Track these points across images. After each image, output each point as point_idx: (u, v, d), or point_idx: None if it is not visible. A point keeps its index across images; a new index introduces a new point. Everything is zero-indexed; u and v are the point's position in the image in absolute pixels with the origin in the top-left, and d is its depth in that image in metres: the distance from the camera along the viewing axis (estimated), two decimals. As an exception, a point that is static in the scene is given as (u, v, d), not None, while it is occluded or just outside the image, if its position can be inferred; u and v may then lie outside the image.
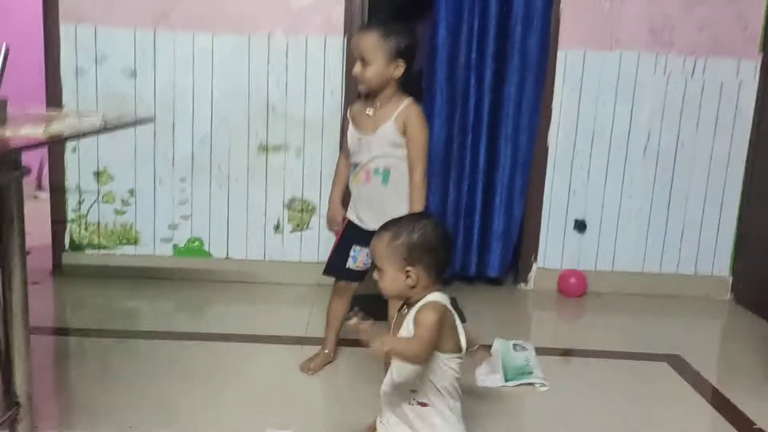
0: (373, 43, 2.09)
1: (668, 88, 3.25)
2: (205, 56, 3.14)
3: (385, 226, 1.59)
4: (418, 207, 2.13)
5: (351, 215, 2.28)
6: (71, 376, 2.34)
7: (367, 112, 2.18)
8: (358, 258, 2.25)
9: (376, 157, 2.17)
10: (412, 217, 1.65)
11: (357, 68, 2.12)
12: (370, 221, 2.18)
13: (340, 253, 2.28)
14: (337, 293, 2.35)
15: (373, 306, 2.54)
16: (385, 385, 1.61)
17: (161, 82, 3.15)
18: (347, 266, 2.26)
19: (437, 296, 1.55)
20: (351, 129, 2.23)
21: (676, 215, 3.36)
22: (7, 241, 1.64)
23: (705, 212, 3.35)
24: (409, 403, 1.56)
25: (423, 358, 1.49)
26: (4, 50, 1.94)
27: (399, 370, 1.55)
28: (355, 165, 2.23)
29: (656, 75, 3.24)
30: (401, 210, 2.08)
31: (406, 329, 1.54)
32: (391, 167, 2.17)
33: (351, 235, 2.25)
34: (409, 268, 1.52)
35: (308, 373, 2.33)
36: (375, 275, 1.58)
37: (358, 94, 2.27)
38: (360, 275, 2.29)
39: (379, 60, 2.09)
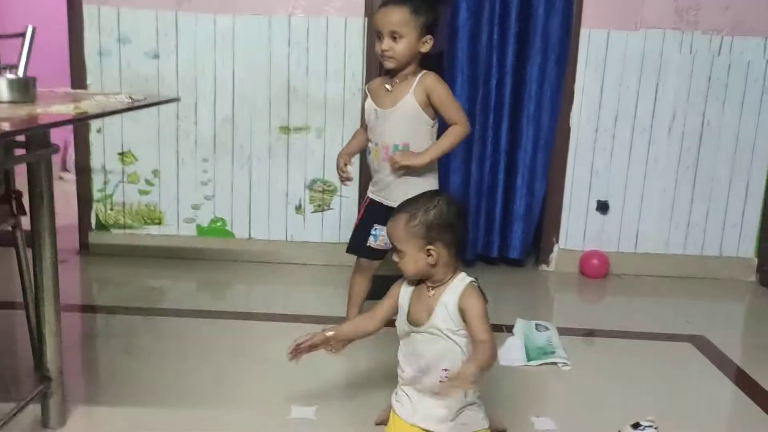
0: (404, 18, 2.06)
1: (694, 67, 3.20)
2: (227, 38, 3.15)
3: (400, 208, 1.58)
4: (440, 148, 2.13)
5: (372, 194, 2.27)
6: (99, 352, 2.38)
7: (386, 87, 2.16)
8: (378, 237, 2.25)
9: (395, 133, 2.15)
10: (425, 196, 1.62)
11: (387, 43, 2.07)
12: (391, 198, 2.16)
13: (361, 232, 2.28)
14: (359, 271, 2.36)
15: (382, 287, 2.55)
16: (414, 371, 1.56)
17: (183, 63, 3.17)
18: (368, 245, 2.27)
19: (466, 277, 1.55)
20: (368, 102, 2.20)
21: (701, 196, 3.32)
22: (37, 219, 1.67)
23: (730, 193, 3.31)
24: (440, 381, 1.53)
25: (496, 351, 1.47)
26: (30, 32, 1.96)
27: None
28: (375, 143, 2.20)
29: (682, 54, 3.19)
30: (421, 186, 2.07)
31: (445, 313, 1.51)
32: (410, 142, 2.15)
33: (372, 215, 2.25)
34: (429, 247, 1.52)
35: (331, 351, 2.35)
36: (395, 257, 1.57)
37: (385, 71, 2.20)
38: (381, 253, 2.29)
39: (411, 35, 2.07)
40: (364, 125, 2.29)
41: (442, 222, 1.53)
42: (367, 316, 1.69)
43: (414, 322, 1.56)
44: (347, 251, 2.36)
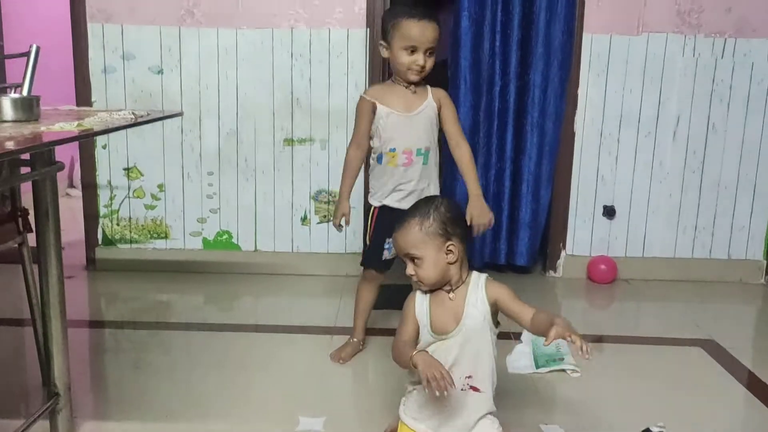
0: (438, 35, 2.12)
1: (697, 70, 3.20)
2: (230, 51, 3.17)
3: (406, 218, 1.54)
4: (477, 178, 2.19)
5: (386, 201, 2.21)
6: (107, 367, 2.38)
7: (412, 90, 2.16)
8: (393, 248, 2.20)
9: (418, 137, 2.16)
10: (424, 201, 1.60)
11: (423, 59, 2.10)
12: (407, 202, 2.11)
13: (376, 245, 2.26)
14: (367, 281, 2.35)
15: (398, 295, 2.55)
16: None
17: (187, 78, 3.19)
18: (383, 258, 2.26)
19: (480, 273, 1.56)
20: (381, 108, 2.15)
21: (708, 199, 3.30)
22: (42, 236, 1.68)
23: (737, 196, 3.30)
24: (461, 389, 1.52)
25: None
26: (35, 51, 1.98)
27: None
28: (391, 149, 2.16)
29: (685, 57, 3.19)
30: (433, 185, 2.21)
31: (476, 312, 1.50)
32: (429, 146, 2.19)
33: (383, 229, 2.20)
34: (449, 243, 1.50)
35: (339, 362, 2.35)
36: (410, 270, 1.53)
37: (398, 80, 2.19)
38: (391, 263, 2.30)
39: (434, 49, 2.13)
40: (359, 140, 2.24)
41: (454, 215, 1.54)
42: (405, 350, 1.53)
43: (440, 331, 1.52)
44: (362, 265, 2.34)
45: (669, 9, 3.15)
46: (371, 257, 2.29)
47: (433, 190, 2.23)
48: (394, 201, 2.22)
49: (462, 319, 1.51)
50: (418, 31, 2.07)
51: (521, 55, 3.22)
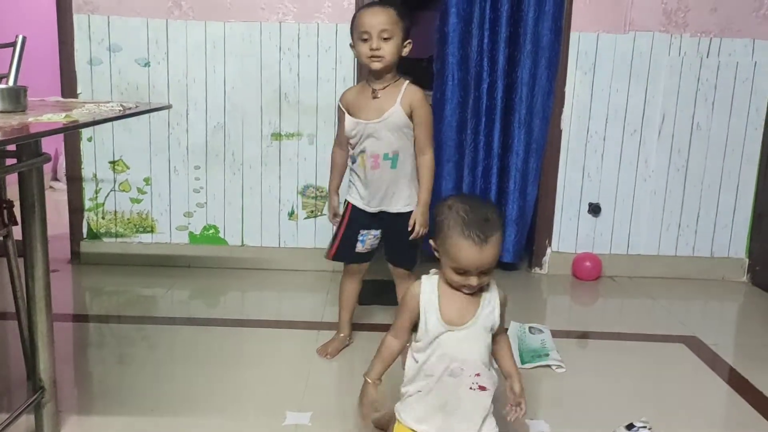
0: (393, 19, 2.08)
1: (683, 69, 3.23)
2: (217, 45, 3.15)
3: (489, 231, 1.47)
4: (429, 188, 2.18)
5: (355, 200, 2.26)
6: (92, 361, 2.37)
7: (376, 95, 2.14)
8: (366, 241, 2.27)
9: (384, 142, 2.15)
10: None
11: (377, 43, 2.06)
12: (376, 205, 2.21)
13: (348, 239, 2.28)
14: (349, 275, 2.37)
15: (382, 292, 2.56)
16: (441, 373, 1.51)
17: (174, 71, 3.17)
18: (356, 251, 2.28)
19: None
20: (349, 119, 2.17)
21: (692, 197, 3.34)
22: (29, 228, 1.67)
23: (721, 194, 3.34)
24: (470, 388, 1.51)
25: None
26: (21, 41, 1.96)
27: None
28: (361, 151, 2.19)
29: (671, 56, 3.22)
30: (406, 191, 2.19)
31: (488, 310, 1.53)
32: (399, 150, 2.16)
33: (356, 221, 2.26)
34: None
35: (326, 357, 2.35)
36: (475, 281, 1.48)
37: (366, 77, 2.21)
38: (369, 256, 2.32)
39: (398, 36, 2.09)
40: (339, 141, 2.29)
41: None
42: (389, 342, 1.60)
43: (453, 321, 1.50)
44: (335, 259, 2.35)
45: (656, 8, 3.18)
46: (344, 251, 2.31)
47: (406, 194, 2.19)
48: (360, 201, 2.25)
49: (478, 310, 1.51)
50: (368, 17, 2.08)
51: (509, 53, 3.23)
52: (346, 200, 2.30)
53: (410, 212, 2.19)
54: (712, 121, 3.27)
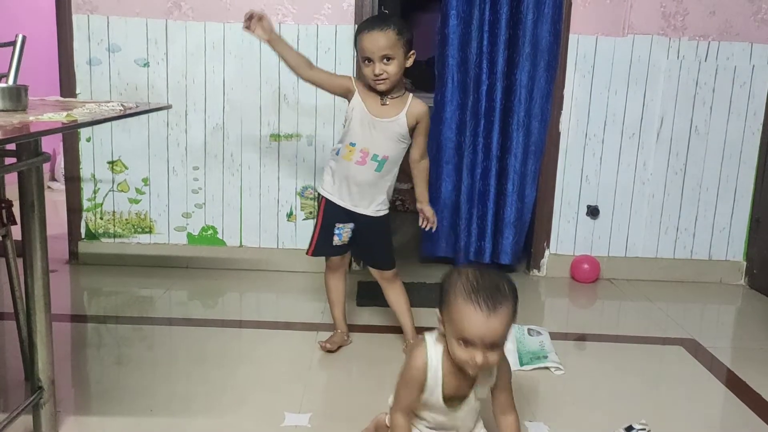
0: (393, 40, 2.12)
1: (681, 72, 3.24)
2: (217, 45, 3.15)
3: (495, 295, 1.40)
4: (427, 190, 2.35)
5: (331, 195, 2.30)
6: (90, 361, 2.36)
7: (384, 102, 2.20)
8: (342, 234, 2.33)
9: (378, 143, 2.21)
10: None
11: (380, 68, 2.12)
12: (350, 201, 2.27)
13: (325, 233, 2.33)
14: (332, 270, 2.42)
15: (379, 293, 2.55)
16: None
17: (173, 71, 3.16)
18: (334, 244, 2.34)
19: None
20: (359, 101, 2.21)
21: (690, 200, 3.35)
22: (28, 228, 1.66)
23: (719, 197, 3.34)
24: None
25: None
26: (21, 40, 1.96)
27: None
28: (352, 143, 2.23)
29: (669, 60, 3.23)
30: (382, 197, 2.28)
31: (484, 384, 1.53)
32: (388, 156, 2.22)
33: (331, 216, 2.31)
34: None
35: (327, 345, 2.37)
36: (480, 357, 1.37)
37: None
38: (346, 248, 2.38)
39: (399, 55, 2.14)
40: (327, 74, 2.32)
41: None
42: (398, 421, 1.51)
43: (452, 398, 1.47)
44: (314, 255, 2.39)
45: (654, 11, 3.19)
46: (322, 246, 2.36)
47: (380, 200, 2.28)
48: (336, 196, 2.29)
49: (475, 386, 1.51)
50: (368, 42, 2.13)
51: (508, 55, 3.23)
52: (319, 194, 2.35)
53: (383, 216, 2.30)
54: (710, 124, 3.28)
